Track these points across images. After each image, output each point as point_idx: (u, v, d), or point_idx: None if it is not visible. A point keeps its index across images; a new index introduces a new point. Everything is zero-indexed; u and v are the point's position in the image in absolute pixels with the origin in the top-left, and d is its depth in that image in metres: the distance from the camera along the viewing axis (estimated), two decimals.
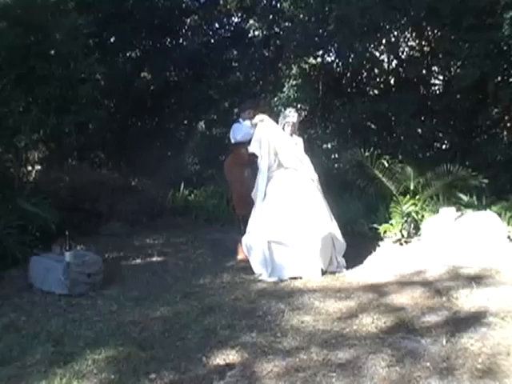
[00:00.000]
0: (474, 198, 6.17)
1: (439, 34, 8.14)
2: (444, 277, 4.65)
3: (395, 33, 8.51)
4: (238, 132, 5.59)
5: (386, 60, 9.14)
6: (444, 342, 3.25)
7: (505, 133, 8.26)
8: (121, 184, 8.64)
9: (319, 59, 9.28)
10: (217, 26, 10.62)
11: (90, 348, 3.34)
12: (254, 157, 5.41)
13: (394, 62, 9.11)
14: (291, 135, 5.43)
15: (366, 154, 6.28)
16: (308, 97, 8.65)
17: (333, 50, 9.04)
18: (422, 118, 8.35)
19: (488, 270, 4.68)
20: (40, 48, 6.32)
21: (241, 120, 5.73)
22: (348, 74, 9.39)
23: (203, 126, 9.71)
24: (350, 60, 8.58)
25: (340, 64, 9.30)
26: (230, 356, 3.18)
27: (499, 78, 7.70)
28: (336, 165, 8.66)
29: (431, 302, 4.01)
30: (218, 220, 7.93)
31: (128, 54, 10.34)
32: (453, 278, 4.59)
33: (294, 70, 9.07)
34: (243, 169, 5.68)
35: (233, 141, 5.69)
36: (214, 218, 8.01)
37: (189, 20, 10.08)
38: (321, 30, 8.39)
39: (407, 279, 4.69)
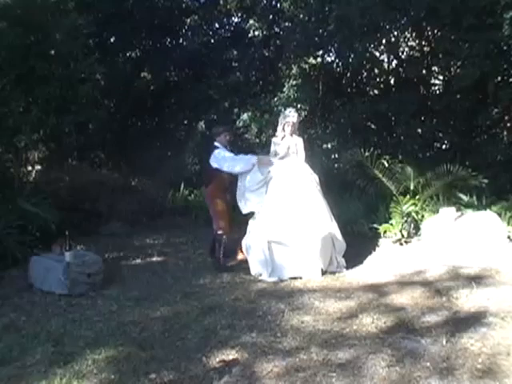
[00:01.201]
0: (474, 197, 6.18)
1: (439, 34, 8.15)
2: (444, 277, 4.65)
3: (395, 33, 8.52)
4: (233, 162, 5.28)
5: (386, 60, 9.15)
6: (444, 342, 3.25)
7: (505, 133, 8.27)
8: (121, 184, 8.65)
9: (319, 59, 9.29)
10: (217, 26, 10.65)
11: (90, 348, 3.34)
12: (233, 178, 5.43)
13: (394, 62, 9.12)
14: (291, 135, 5.43)
15: (366, 154, 6.27)
16: (308, 97, 8.65)
17: (333, 50, 9.06)
18: (422, 118, 8.36)
19: (488, 270, 4.68)
20: (40, 48, 6.33)
21: (218, 145, 5.45)
22: (348, 74, 9.40)
23: (203, 126, 9.70)
24: (350, 60, 8.59)
25: (340, 64, 9.31)
26: (230, 356, 3.18)
27: (499, 78, 7.71)
28: (336, 165, 8.67)
29: (431, 301, 4.01)
30: None
31: (128, 54, 10.36)
32: (453, 277, 4.59)
33: (294, 70, 9.08)
34: (225, 194, 5.59)
35: (222, 168, 5.35)
36: None
37: (189, 20, 10.09)
38: (321, 30, 8.40)
39: (407, 279, 4.69)
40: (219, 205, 5.46)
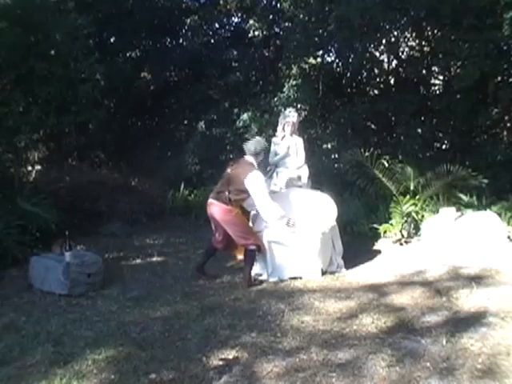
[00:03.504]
0: (474, 198, 6.18)
1: (439, 33, 8.16)
2: (444, 277, 4.65)
3: (395, 33, 8.53)
4: (268, 208, 4.65)
5: (386, 60, 9.16)
6: (444, 342, 3.25)
7: (505, 133, 8.29)
8: (121, 184, 8.64)
9: (319, 59, 9.30)
10: (217, 26, 10.63)
11: (90, 348, 3.34)
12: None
13: (394, 62, 9.13)
14: (291, 135, 5.43)
15: (366, 154, 6.28)
16: (308, 97, 8.66)
17: (333, 50, 9.07)
18: (422, 118, 8.37)
19: (488, 270, 4.68)
20: (40, 48, 6.33)
21: (254, 163, 4.76)
22: (348, 74, 9.41)
23: (203, 126, 9.71)
24: (350, 60, 8.61)
25: (340, 64, 9.33)
26: (229, 356, 3.18)
27: (499, 78, 7.71)
28: (336, 165, 8.67)
29: (431, 301, 4.01)
30: None
31: (128, 54, 10.35)
32: (453, 278, 4.59)
33: (294, 70, 9.09)
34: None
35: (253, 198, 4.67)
36: None
37: (189, 20, 10.08)
38: (321, 30, 8.41)
39: (407, 279, 4.69)
40: (241, 218, 4.83)
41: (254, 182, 4.61)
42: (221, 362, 3.09)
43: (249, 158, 4.81)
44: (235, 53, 9.95)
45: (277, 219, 4.67)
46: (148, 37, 10.27)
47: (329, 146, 8.90)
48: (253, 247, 4.75)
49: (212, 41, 10.45)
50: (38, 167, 8.35)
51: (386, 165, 6.36)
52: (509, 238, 5.22)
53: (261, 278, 4.92)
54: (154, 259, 5.84)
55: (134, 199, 8.10)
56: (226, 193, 4.70)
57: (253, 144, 4.85)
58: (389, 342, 3.28)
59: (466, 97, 7.54)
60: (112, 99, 10.15)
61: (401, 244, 5.95)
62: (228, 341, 3.40)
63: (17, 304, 4.31)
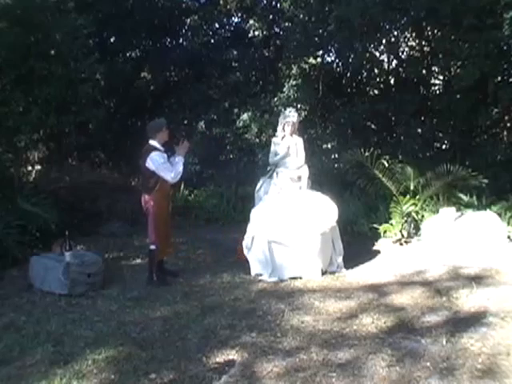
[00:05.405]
0: (474, 198, 6.18)
1: (439, 33, 8.15)
2: (444, 277, 4.65)
3: (395, 33, 8.53)
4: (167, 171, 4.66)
5: (386, 60, 9.16)
6: (444, 342, 3.25)
7: (505, 133, 8.28)
8: (121, 184, 8.64)
9: (319, 59, 9.30)
10: (217, 26, 10.64)
11: (90, 348, 3.34)
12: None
13: (394, 62, 9.13)
14: (291, 135, 5.43)
15: (366, 154, 6.28)
16: (308, 97, 8.67)
17: (333, 50, 9.07)
18: (422, 118, 8.37)
19: (488, 270, 4.68)
20: (40, 48, 6.34)
21: (156, 144, 4.75)
22: (348, 74, 9.41)
23: (203, 125, 9.71)
24: (350, 60, 8.60)
25: (340, 64, 9.33)
26: (229, 356, 3.18)
27: (499, 78, 7.70)
28: (336, 165, 8.67)
29: (431, 302, 4.01)
30: (217, 220, 7.95)
31: (128, 54, 10.35)
32: (453, 278, 4.59)
33: (294, 70, 9.10)
34: (169, 203, 5.04)
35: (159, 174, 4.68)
36: (213, 218, 8.03)
37: (189, 20, 10.09)
38: (321, 30, 8.41)
39: (407, 279, 4.69)
40: (160, 215, 4.76)
41: (152, 162, 4.65)
42: (221, 362, 3.09)
43: (151, 141, 4.79)
44: (235, 53, 9.95)
45: (179, 171, 4.70)
46: (148, 37, 10.27)
47: (329, 145, 8.90)
48: (152, 247, 4.80)
49: (212, 41, 10.47)
50: (38, 167, 8.35)
51: (386, 165, 6.36)
52: (509, 237, 5.22)
53: (261, 277, 4.92)
54: None
55: (134, 199, 8.06)
56: (147, 184, 4.85)
57: (149, 126, 4.91)
58: (389, 342, 3.28)
59: (466, 97, 7.54)
60: (112, 99, 10.14)
61: (401, 244, 5.95)
62: (228, 341, 3.40)
63: (17, 304, 4.31)
